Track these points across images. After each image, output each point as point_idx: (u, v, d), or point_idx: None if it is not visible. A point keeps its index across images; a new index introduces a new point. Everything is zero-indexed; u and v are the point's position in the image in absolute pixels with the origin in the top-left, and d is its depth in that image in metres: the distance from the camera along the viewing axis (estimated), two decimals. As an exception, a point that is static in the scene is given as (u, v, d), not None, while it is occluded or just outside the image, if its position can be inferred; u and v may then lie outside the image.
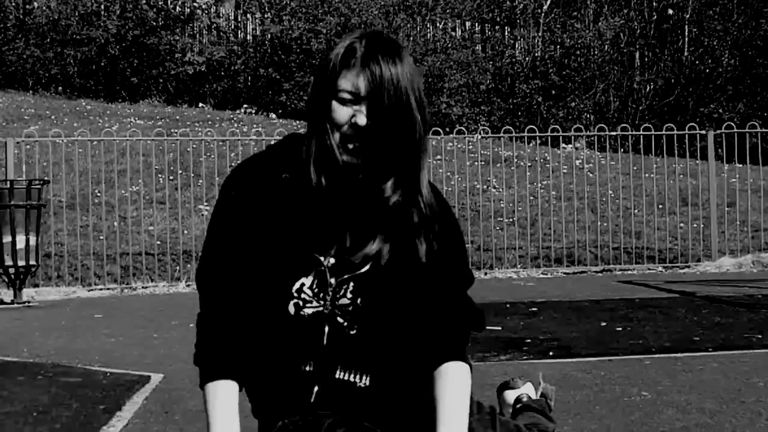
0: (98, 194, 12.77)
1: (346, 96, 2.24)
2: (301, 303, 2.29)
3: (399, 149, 2.26)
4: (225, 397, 2.30)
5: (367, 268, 2.28)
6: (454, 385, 2.33)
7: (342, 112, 2.24)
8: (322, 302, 2.29)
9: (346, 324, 2.29)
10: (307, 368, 2.30)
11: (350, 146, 2.24)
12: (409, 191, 2.29)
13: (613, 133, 13.47)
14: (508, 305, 8.71)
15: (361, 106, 2.23)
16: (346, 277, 2.29)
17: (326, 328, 2.29)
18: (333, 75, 2.26)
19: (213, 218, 2.40)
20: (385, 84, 2.23)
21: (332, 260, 2.29)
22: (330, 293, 2.29)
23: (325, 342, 2.29)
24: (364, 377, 2.31)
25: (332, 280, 2.29)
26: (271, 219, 2.31)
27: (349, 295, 2.29)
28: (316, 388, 2.30)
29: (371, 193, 2.28)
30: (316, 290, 2.29)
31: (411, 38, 22.11)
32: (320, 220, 2.29)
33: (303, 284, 2.29)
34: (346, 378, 2.31)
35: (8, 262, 9.95)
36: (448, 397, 2.30)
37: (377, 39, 2.29)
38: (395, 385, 2.33)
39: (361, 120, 2.22)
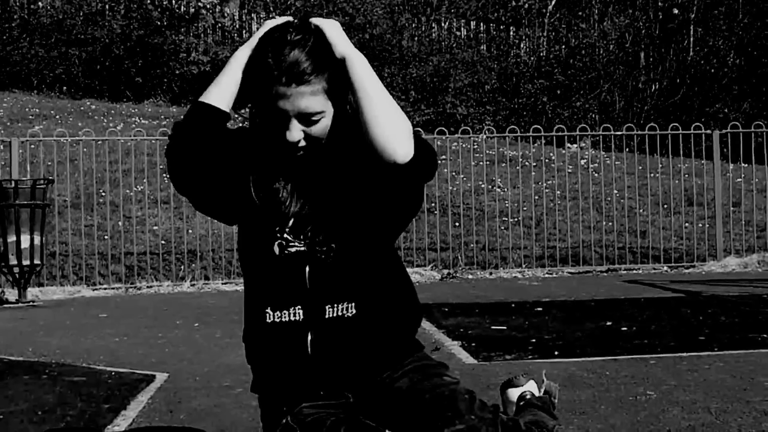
0: (103, 194, 12.78)
1: (278, 108, 2.42)
2: (284, 243, 2.45)
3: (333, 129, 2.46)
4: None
5: (321, 203, 2.46)
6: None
7: (276, 119, 2.44)
8: (302, 242, 2.45)
9: (323, 255, 2.44)
10: (296, 317, 2.43)
11: (290, 151, 2.44)
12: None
13: (618, 133, 13.43)
14: (513, 305, 8.70)
15: (291, 124, 2.44)
16: (317, 215, 2.46)
17: (307, 268, 2.44)
18: (265, 76, 2.43)
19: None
20: (308, 96, 2.40)
21: (300, 199, 2.47)
22: (309, 232, 2.45)
23: (308, 284, 2.43)
24: (349, 306, 2.45)
25: (308, 221, 2.45)
26: (251, 170, 2.49)
27: (324, 231, 2.45)
28: (309, 336, 2.42)
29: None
30: (296, 231, 2.46)
31: (416, 38, 22.10)
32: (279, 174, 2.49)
33: (284, 224, 2.47)
34: (334, 314, 2.44)
35: (13, 261, 9.95)
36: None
37: (290, 54, 2.42)
38: (379, 308, 2.46)
39: (291, 136, 2.42)
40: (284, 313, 2.44)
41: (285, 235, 2.45)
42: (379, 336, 2.45)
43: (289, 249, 2.44)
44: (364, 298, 2.44)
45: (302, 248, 2.44)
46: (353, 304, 2.43)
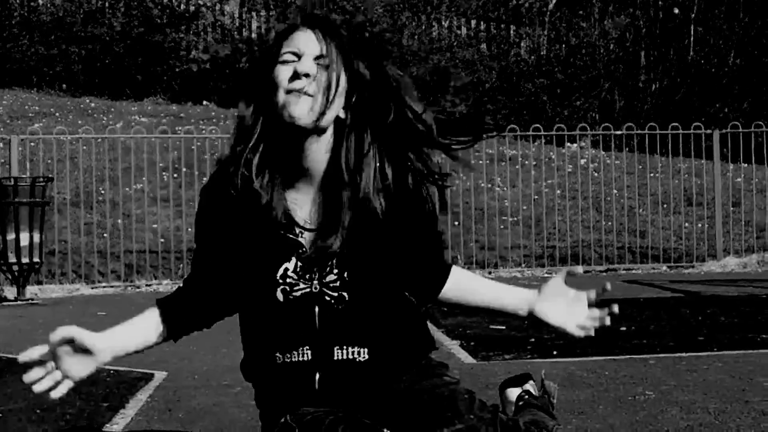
0: (102, 192, 12.77)
1: (288, 57, 2.33)
2: (288, 288, 2.33)
3: (345, 100, 2.34)
4: (136, 318, 2.51)
5: (337, 243, 2.33)
6: (468, 273, 2.56)
7: (284, 71, 2.32)
8: (309, 282, 2.33)
9: (334, 301, 2.33)
10: (305, 358, 2.33)
11: (295, 93, 2.29)
12: (359, 163, 2.34)
13: (618, 132, 13.44)
14: (512, 304, 8.68)
15: (301, 59, 2.32)
16: (326, 256, 2.34)
17: (316, 309, 2.33)
18: (275, 47, 2.36)
19: (195, 225, 2.51)
20: (325, 37, 2.34)
21: (309, 241, 2.35)
22: (316, 272, 2.33)
23: (317, 325, 2.33)
24: (362, 351, 2.35)
25: (315, 262, 2.33)
26: (243, 216, 2.36)
27: (335, 271, 2.33)
28: (317, 376, 2.34)
29: (331, 176, 2.34)
30: (300, 272, 2.33)
31: (416, 36, 22.09)
32: (288, 206, 2.36)
33: (287, 269, 2.34)
34: (344, 357, 2.35)
35: (12, 259, 9.96)
36: (481, 279, 2.56)
37: (312, 11, 2.44)
38: (393, 353, 2.38)
39: (301, 66, 2.30)
40: (292, 354, 2.34)
41: (288, 279, 2.33)
42: (391, 376, 2.39)
43: (294, 293, 2.34)
44: (378, 344, 2.36)
45: (309, 290, 2.33)
46: (366, 349, 2.35)
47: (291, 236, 2.35)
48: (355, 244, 2.33)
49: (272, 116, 2.32)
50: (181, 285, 2.52)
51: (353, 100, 2.36)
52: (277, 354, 2.36)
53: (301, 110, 2.29)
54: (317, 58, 2.32)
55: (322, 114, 2.30)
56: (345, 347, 2.34)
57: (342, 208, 2.32)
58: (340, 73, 2.32)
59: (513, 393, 3.22)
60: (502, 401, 3.24)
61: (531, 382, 3.28)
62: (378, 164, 2.35)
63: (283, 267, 2.34)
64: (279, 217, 2.34)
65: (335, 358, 2.34)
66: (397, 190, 2.38)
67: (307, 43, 2.33)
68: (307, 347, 2.34)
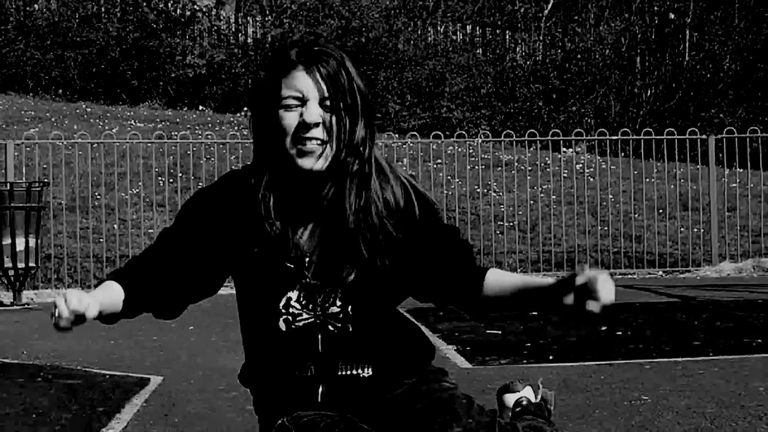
0: (98, 197, 12.77)
1: (291, 102, 2.24)
2: (291, 318, 2.31)
3: (351, 140, 2.26)
4: (107, 285, 2.30)
5: (351, 277, 2.29)
6: (505, 273, 2.41)
7: (289, 117, 2.24)
8: (312, 313, 2.31)
9: (337, 331, 2.31)
10: (308, 373, 2.34)
11: (306, 143, 2.23)
12: (365, 194, 2.29)
13: (614, 138, 13.45)
14: (508, 309, 8.69)
15: (306, 105, 2.24)
16: (332, 287, 2.30)
17: (319, 336, 2.32)
18: (274, 87, 2.26)
19: (182, 210, 2.43)
20: (327, 77, 2.24)
21: (313, 271, 2.30)
22: (320, 303, 2.31)
23: (320, 349, 2.32)
24: (366, 368, 2.35)
25: (319, 292, 2.30)
26: (246, 238, 2.31)
27: (338, 303, 2.31)
28: (320, 389, 2.34)
29: (333, 206, 2.29)
30: (304, 302, 2.31)
31: (412, 42, 22.10)
32: (292, 236, 2.30)
33: (290, 298, 2.31)
34: (348, 373, 2.34)
35: (8, 264, 9.94)
36: (513, 275, 2.40)
37: (310, 42, 2.31)
38: (396, 367, 2.37)
39: (309, 116, 2.22)
40: (295, 370, 2.34)
41: (291, 309, 2.30)
42: (393, 388, 2.39)
43: (297, 323, 2.31)
44: (381, 362, 2.35)
45: (312, 320, 2.31)
46: (370, 367, 2.34)
47: (295, 265, 2.30)
48: (360, 274, 2.30)
49: (282, 158, 2.27)
50: (137, 256, 2.41)
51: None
52: (281, 369, 2.35)
53: (314, 161, 2.24)
54: (323, 101, 2.25)
55: (336, 159, 2.26)
56: (348, 366, 2.34)
57: (348, 238, 2.29)
58: (348, 113, 2.26)
59: (510, 398, 3.23)
60: (499, 407, 3.25)
61: (528, 387, 3.28)
62: (382, 190, 2.32)
63: (286, 297, 2.31)
64: (284, 245, 2.30)
65: (339, 373, 2.34)
66: (405, 210, 2.35)
67: (309, 86, 2.24)
68: (311, 363, 2.33)
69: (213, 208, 2.36)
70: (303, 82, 2.24)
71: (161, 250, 2.36)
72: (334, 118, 2.24)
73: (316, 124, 2.23)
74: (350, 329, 2.31)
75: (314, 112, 2.23)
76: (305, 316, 2.31)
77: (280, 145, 2.25)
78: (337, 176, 2.28)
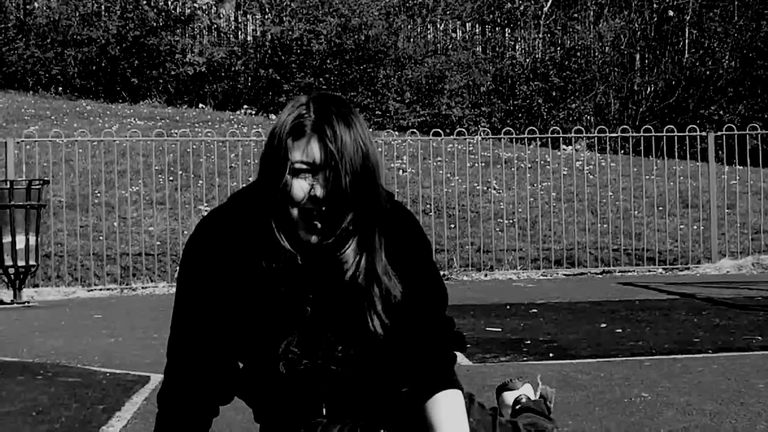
0: (98, 194, 12.77)
1: (301, 167, 2.15)
2: (290, 363, 2.27)
3: (360, 214, 2.18)
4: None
5: (350, 319, 2.26)
6: (449, 413, 2.26)
7: (298, 187, 2.15)
8: (312, 357, 2.27)
9: (338, 374, 2.29)
10: (320, 418, 2.33)
11: (314, 223, 2.17)
12: (368, 246, 2.23)
13: (614, 135, 13.47)
14: (508, 306, 8.71)
15: (317, 176, 2.15)
16: (331, 331, 2.28)
17: (321, 379, 2.29)
18: (283, 147, 2.17)
19: (178, 286, 2.37)
20: (340, 148, 2.13)
21: (313, 315, 2.27)
22: (320, 348, 2.27)
23: (323, 389, 2.30)
24: (370, 400, 2.33)
25: (319, 335, 2.27)
26: (241, 283, 2.27)
27: (339, 348, 2.28)
28: (324, 410, 2.33)
29: (333, 258, 2.23)
30: (303, 347, 2.27)
31: (411, 39, 22.10)
32: (292, 282, 2.25)
33: (289, 342, 2.27)
34: (353, 403, 2.33)
35: (8, 262, 9.94)
36: (445, 427, 2.24)
37: (325, 102, 2.19)
38: (391, 416, 2.34)
39: (319, 191, 2.14)
40: (306, 416, 2.33)
41: (291, 355, 2.27)
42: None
43: (297, 367, 2.28)
44: (386, 397, 2.33)
45: (312, 364, 2.28)
46: (377, 416, 2.33)
47: (294, 309, 2.27)
48: (359, 320, 2.26)
49: (285, 215, 2.20)
50: (169, 378, 2.38)
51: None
52: (288, 413, 2.34)
53: (318, 237, 2.19)
54: (334, 172, 2.16)
55: (338, 233, 2.20)
56: (353, 407, 2.33)
57: (348, 285, 2.25)
58: (358, 184, 2.17)
59: (510, 396, 3.23)
60: (498, 404, 3.25)
61: (527, 385, 3.28)
62: (384, 242, 2.27)
63: (286, 341, 2.27)
64: (285, 289, 2.25)
65: (343, 399, 2.33)
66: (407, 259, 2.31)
67: (320, 155, 2.15)
68: (321, 406, 2.33)
69: (209, 270, 2.29)
70: (315, 150, 2.15)
71: (189, 369, 2.35)
72: (343, 192, 2.15)
73: (325, 200, 2.16)
74: (350, 374, 2.28)
75: (324, 188, 2.15)
76: (305, 361, 2.26)
77: (286, 208, 2.18)
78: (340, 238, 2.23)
